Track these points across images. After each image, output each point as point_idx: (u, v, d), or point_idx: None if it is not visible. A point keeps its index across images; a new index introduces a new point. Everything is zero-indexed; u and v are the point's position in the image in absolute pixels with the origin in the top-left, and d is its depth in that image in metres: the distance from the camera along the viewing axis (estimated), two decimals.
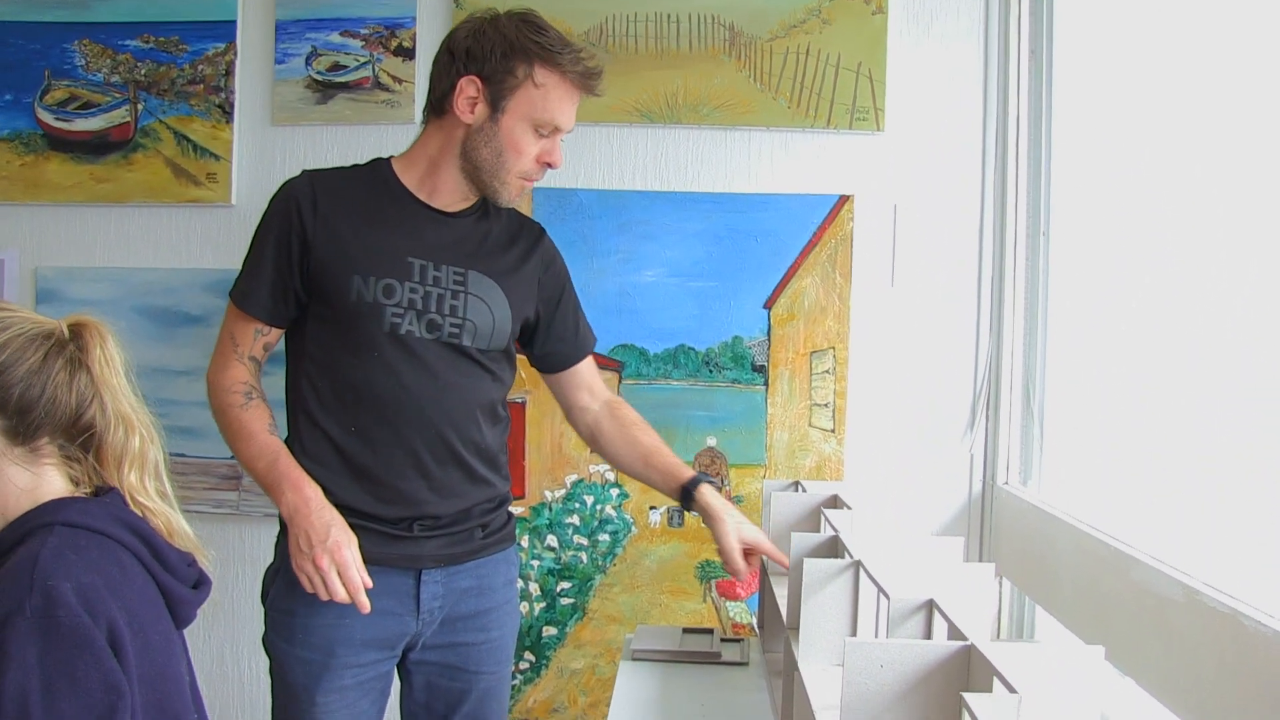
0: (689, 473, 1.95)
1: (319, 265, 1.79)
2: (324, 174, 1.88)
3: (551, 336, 1.99)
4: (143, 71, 2.67)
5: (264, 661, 1.90)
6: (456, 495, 1.84)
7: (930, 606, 1.18)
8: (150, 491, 1.37)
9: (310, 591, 1.64)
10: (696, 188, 2.53)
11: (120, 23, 2.68)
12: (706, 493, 1.91)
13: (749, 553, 1.85)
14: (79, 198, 2.69)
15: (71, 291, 2.70)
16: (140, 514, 1.34)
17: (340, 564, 1.62)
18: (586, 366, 2.06)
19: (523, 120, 1.79)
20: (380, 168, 1.88)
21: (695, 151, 2.55)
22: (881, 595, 1.28)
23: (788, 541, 1.66)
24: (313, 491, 1.70)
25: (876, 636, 1.38)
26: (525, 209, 2.50)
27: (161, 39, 2.67)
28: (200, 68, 2.65)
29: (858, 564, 1.40)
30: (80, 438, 1.32)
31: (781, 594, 1.72)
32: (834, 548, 1.58)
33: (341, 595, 1.62)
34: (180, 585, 1.35)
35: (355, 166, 1.91)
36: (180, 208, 2.65)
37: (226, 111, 2.63)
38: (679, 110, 2.53)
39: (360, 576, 1.64)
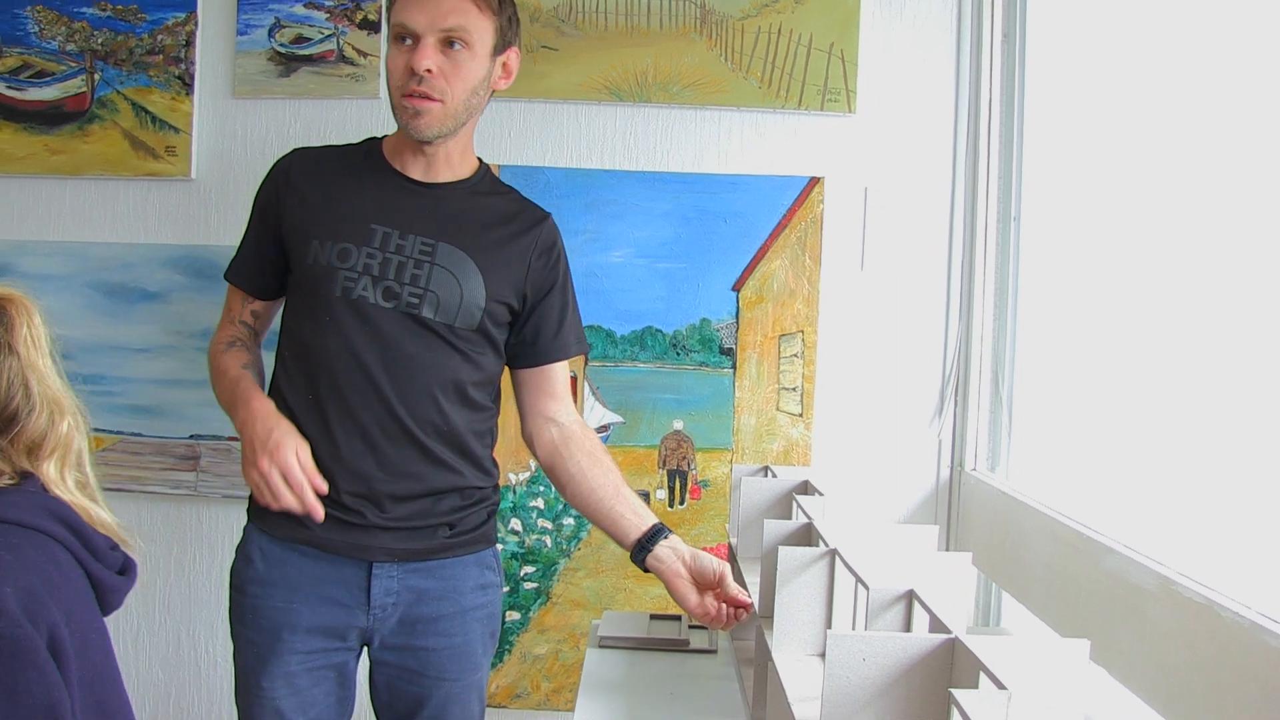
0: (650, 521, 1.79)
1: (288, 232, 1.80)
2: (308, 151, 1.92)
3: (528, 328, 1.88)
4: (100, 40, 2.60)
5: (222, 645, 1.87)
6: (409, 475, 1.76)
7: (910, 597, 1.17)
8: (69, 484, 1.31)
9: (263, 504, 1.64)
10: (665, 167, 2.50)
11: None
12: (659, 551, 1.76)
13: (706, 587, 1.72)
14: (33, 169, 2.62)
15: (24, 265, 2.63)
16: None
17: (282, 466, 1.60)
18: (560, 373, 1.93)
19: (390, 41, 1.76)
20: (369, 143, 1.89)
21: (665, 131, 2.51)
22: (859, 585, 1.27)
23: (759, 528, 1.64)
24: (260, 404, 1.70)
25: (854, 627, 1.36)
26: None
27: (119, 7, 2.60)
28: (160, 38, 2.58)
29: (833, 552, 1.38)
30: (3, 426, 1.26)
31: (752, 581, 1.70)
32: (807, 535, 1.57)
33: (288, 501, 1.60)
34: (109, 573, 1.30)
35: (348, 145, 1.93)
36: (138, 181, 2.58)
37: (186, 83, 2.57)
38: (649, 89, 2.49)
39: (310, 479, 1.62)
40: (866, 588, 1.21)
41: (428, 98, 1.72)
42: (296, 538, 1.75)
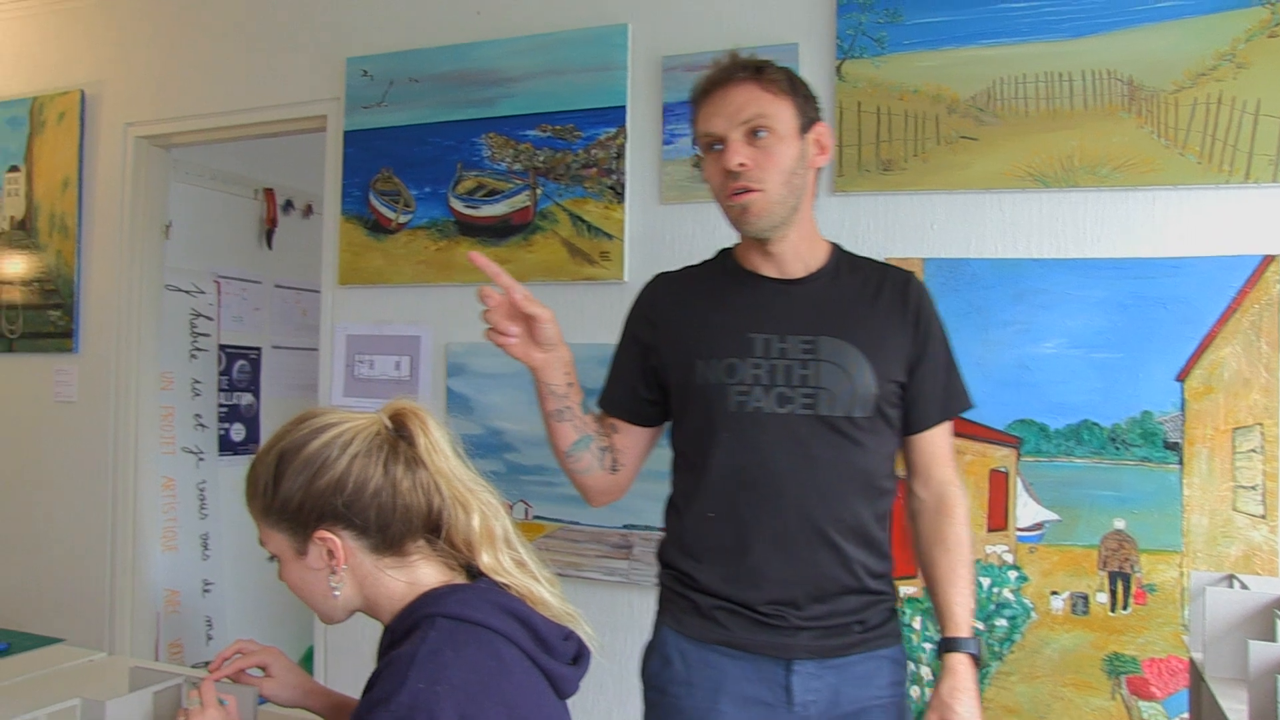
0: (951, 632, 1.80)
1: (665, 363, 1.87)
2: (668, 276, 1.98)
3: (905, 401, 1.84)
4: (541, 158, 2.85)
5: None
6: (825, 577, 1.76)
7: None
8: (505, 566, 1.39)
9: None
10: (1096, 254, 2.38)
11: (521, 115, 2.88)
12: (947, 664, 1.77)
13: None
14: (484, 278, 2.86)
15: (476, 365, 2.90)
16: None
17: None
18: (926, 444, 1.87)
19: (703, 155, 1.82)
20: (723, 255, 1.94)
21: (1094, 215, 2.40)
22: None
23: (1234, 646, 1.50)
24: None
25: None
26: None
27: (558, 127, 2.84)
28: (593, 152, 2.79)
29: None
30: (437, 529, 1.38)
31: (1232, 707, 1.55)
32: None
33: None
34: (559, 664, 1.36)
35: (704, 261, 1.98)
36: (576, 285, 2.79)
37: (618, 192, 2.75)
38: (1075, 172, 2.40)
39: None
40: None
41: (748, 190, 1.75)
42: (714, 638, 1.78)
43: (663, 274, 1.98)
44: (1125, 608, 2.31)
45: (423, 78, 3.03)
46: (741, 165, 1.73)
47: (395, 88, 3.07)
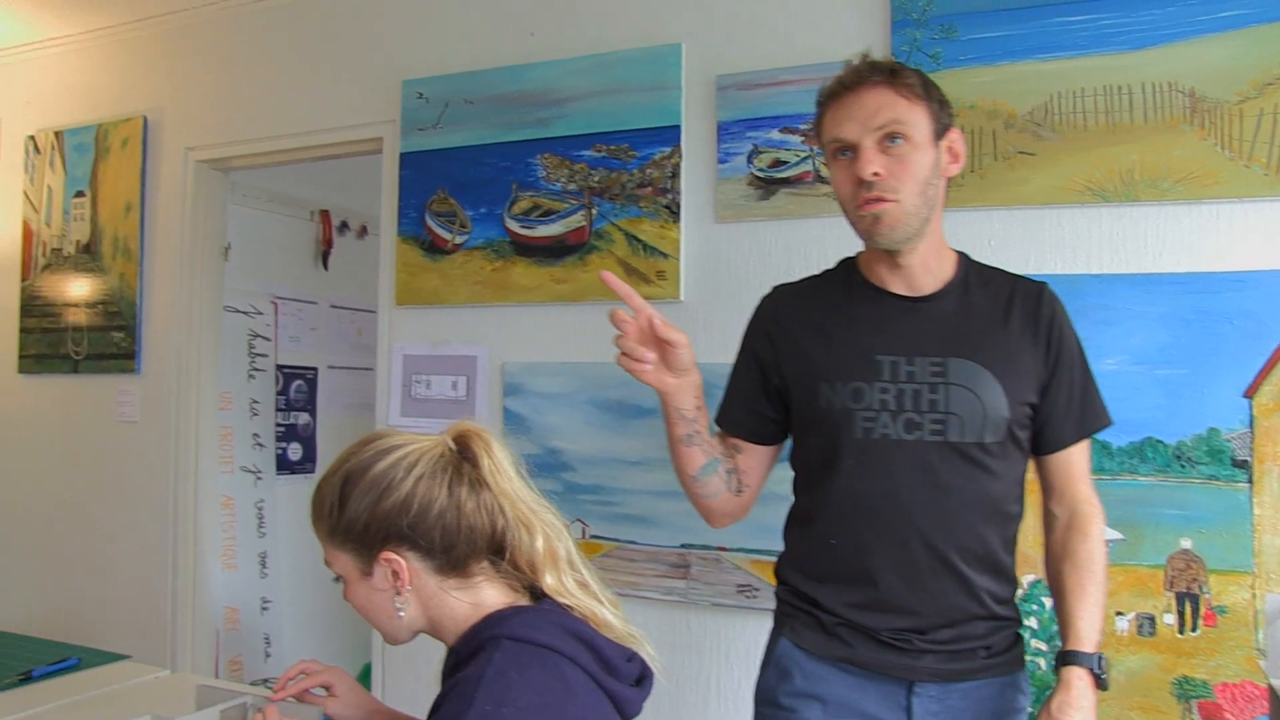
0: (1071, 645, 1.70)
1: (787, 382, 1.81)
2: (789, 289, 1.91)
3: (1037, 421, 1.76)
4: (596, 178, 2.86)
5: None
6: (951, 606, 1.70)
7: None
8: (568, 588, 1.39)
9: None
10: (1159, 269, 2.35)
11: (576, 135, 2.90)
12: (1062, 678, 1.67)
13: None
14: (540, 298, 2.92)
15: (533, 384, 2.91)
16: None
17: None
18: (1061, 464, 1.79)
19: (830, 161, 1.75)
20: (846, 266, 1.87)
21: (1156, 230, 2.37)
22: None
23: None
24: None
25: None
26: None
27: (612, 147, 2.85)
28: (648, 171, 2.80)
29: None
30: (500, 550, 1.38)
31: None
32: None
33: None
34: (623, 686, 1.36)
35: (825, 271, 1.91)
36: None
37: (673, 211, 2.76)
38: (1135, 187, 2.37)
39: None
40: None
41: (881, 199, 1.67)
42: (837, 655, 1.73)
43: (782, 286, 1.91)
44: (1194, 629, 2.27)
45: (478, 99, 3.06)
46: (876, 175, 1.66)
47: (450, 109, 3.10)
